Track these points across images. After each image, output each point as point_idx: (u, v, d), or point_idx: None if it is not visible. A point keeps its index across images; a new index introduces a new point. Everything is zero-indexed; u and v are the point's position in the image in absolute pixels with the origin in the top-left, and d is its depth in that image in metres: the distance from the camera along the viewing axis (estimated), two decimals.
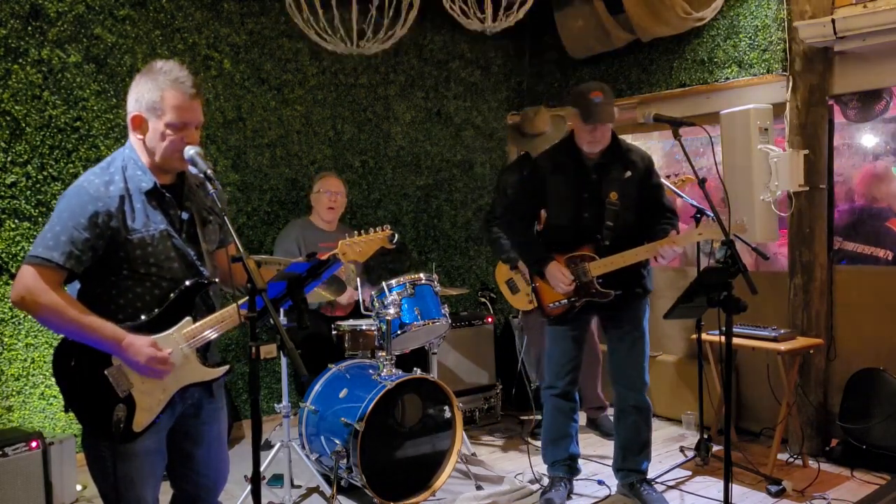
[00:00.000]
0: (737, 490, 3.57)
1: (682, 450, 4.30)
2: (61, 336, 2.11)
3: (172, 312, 2.14)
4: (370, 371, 3.70)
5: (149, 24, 4.39)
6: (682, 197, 4.01)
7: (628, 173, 3.41)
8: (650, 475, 3.68)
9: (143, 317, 2.11)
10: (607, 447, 4.13)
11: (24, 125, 3.98)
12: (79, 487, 3.74)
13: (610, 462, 3.75)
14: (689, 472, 3.98)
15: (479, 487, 3.76)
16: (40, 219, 4.00)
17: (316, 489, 3.76)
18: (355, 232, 2.50)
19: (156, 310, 2.12)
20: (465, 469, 3.89)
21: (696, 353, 4.26)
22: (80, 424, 2.14)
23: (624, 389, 3.55)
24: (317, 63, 5.07)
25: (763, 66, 4.38)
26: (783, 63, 4.26)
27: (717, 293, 2.78)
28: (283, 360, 3.89)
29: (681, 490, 3.77)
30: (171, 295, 2.13)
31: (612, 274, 3.37)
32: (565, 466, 3.64)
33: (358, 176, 5.30)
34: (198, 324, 2.16)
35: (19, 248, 3.97)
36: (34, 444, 3.39)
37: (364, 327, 3.94)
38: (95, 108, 4.20)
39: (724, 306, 2.77)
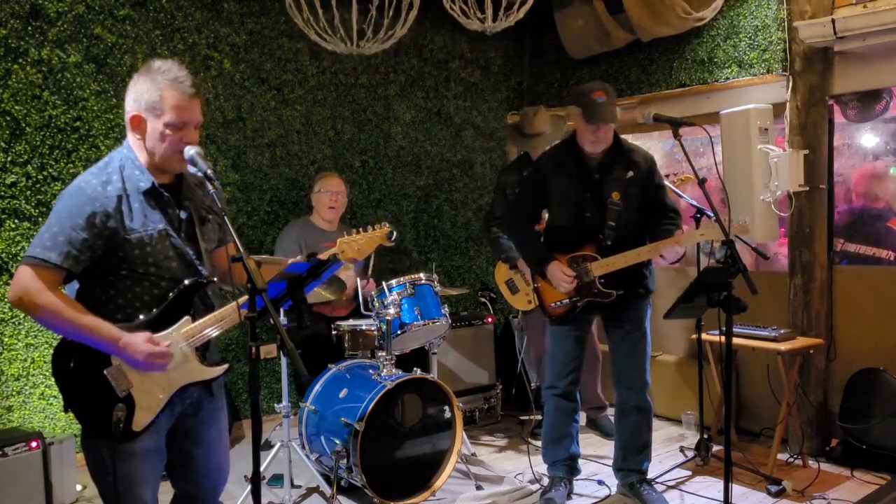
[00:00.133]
0: (737, 490, 3.57)
1: (682, 450, 4.30)
2: (61, 336, 2.10)
3: (171, 312, 2.13)
4: (370, 371, 3.70)
5: (149, 24, 4.39)
6: (682, 197, 4.01)
7: (630, 173, 3.40)
8: (650, 475, 3.68)
9: (141, 316, 2.11)
10: (607, 447, 4.13)
11: (24, 125, 3.98)
12: (79, 487, 3.74)
13: (610, 462, 3.74)
14: (689, 472, 3.98)
15: (479, 487, 3.76)
16: (40, 219, 4.00)
17: (316, 489, 3.76)
18: (353, 230, 2.50)
19: (154, 309, 2.12)
20: (465, 469, 3.89)
21: (696, 353, 4.26)
22: (79, 424, 2.14)
23: (625, 389, 3.55)
24: (317, 63, 5.07)
25: (763, 66, 4.38)
26: (783, 63, 4.26)
27: (717, 293, 2.78)
28: (283, 360, 3.89)
29: (681, 490, 3.77)
30: (170, 294, 2.13)
31: (614, 274, 3.37)
32: (565, 466, 3.64)
33: (358, 176, 5.30)
34: (197, 323, 2.15)
35: (19, 248, 3.97)
36: (34, 444, 3.39)
37: (364, 327, 3.94)
38: (95, 108, 4.20)
39: (724, 306, 2.77)
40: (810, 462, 4.05)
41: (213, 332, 2.17)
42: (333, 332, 4.02)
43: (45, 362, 4.02)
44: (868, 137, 4.16)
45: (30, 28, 3.97)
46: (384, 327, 3.69)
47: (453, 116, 5.77)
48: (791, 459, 4.10)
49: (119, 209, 2.07)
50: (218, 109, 4.68)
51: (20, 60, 3.95)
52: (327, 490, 3.59)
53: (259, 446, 2.02)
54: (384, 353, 3.68)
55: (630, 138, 3.64)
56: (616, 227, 3.37)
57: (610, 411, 4.53)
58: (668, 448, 4.38)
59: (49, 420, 4.07)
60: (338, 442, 3.44)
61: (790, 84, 4.19)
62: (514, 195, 4.23)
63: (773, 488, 3.64)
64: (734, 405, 4.52)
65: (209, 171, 2.07)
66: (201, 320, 2.16)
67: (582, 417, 4.52)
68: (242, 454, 4.08)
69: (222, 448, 2.38)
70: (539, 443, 3.89)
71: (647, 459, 3.60)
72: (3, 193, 3.94)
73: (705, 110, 4.65)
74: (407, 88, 5.51)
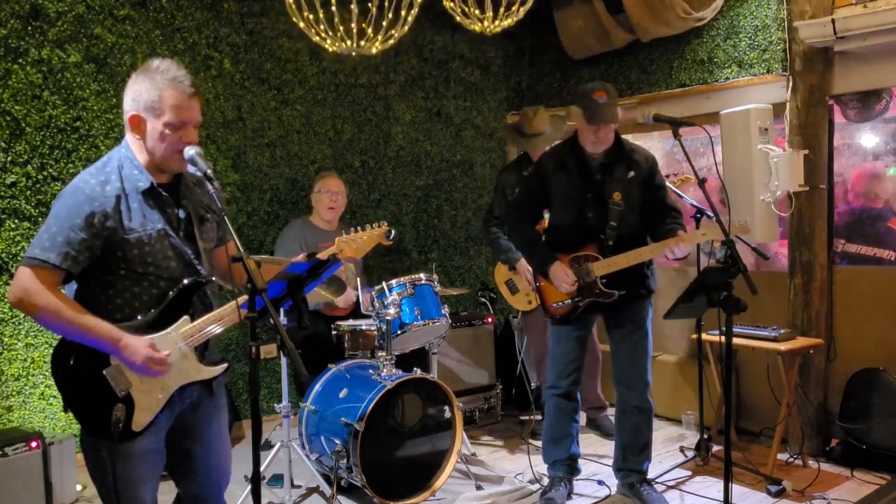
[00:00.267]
0: (737, 490, 3.56)
1: (682, 450, 4.30)
2: (60, 336, 2.10)
3: (170, 311, 2.13)
4: (370, 371, 3.70)
5: (149, 24, 4.39)
6: (682, 197, 4.01)
7: (632, 173, 3.40)
8: (650, 475, 3.68)
9: (140, 316, 2.11)
10: (607, 447, 4.13)
11: (24, 125, 3.98)
12: (79, 487, 3.74)
13: (610, 462, 3.74)
14: (689, 472, 3.98)
15: (479, 487, 3.76)
16: (40, 219, 4.00)
17: (316, 489, 3.76)
18: (352, 229, 2.50)
19: (153, 309, 2.12)
20: (465, 469, 3.89)
21: (696, 353, 4.26)
22: (79, 424, 2.14)
23: (626, 389, 3.55)
24: (317, 63, 5.07)
25: (763, 66, 4.38)
26: (783, 63, 4.26)
27: (717, 293, 2.78)
28: (283, 360, 3.89)
29: (681, 490, 3.77)
30: (169, 294, 2.13)
31: (615, 274, 3.37)
32: (566, 466, 3.64)
33: (358, 176, 5.30)
34: (196, 322, 2.15)
35: (19, 248, 3.96)
36: (34, 444, 3.39)
37: (364, 327, 3.94)
38: (95, 108, 4.20)
39: (724, 306, 2.77)
40: (810, 462, 4.05)
41: (214, 331, 2.17)
42: (333, 332, 4.02)
43: (45, 362, 4.02)
44: (868, 137, 4.16)
45: (30, 28, 3.97)
46: (384, 327, 3.69)
47: (453, 116, 5.77)
48: (791, 459, 4.10)
49: (118, 209, 2.07)
50: (218, 109, 4.68)
51: (20, 60, 3.95)
52: (327, 490, 3.59)
53: (259, 446, 2.02)
54: (384, 353, 3.68)
55: (630, 138, 3.64)
56: (617, 228, 3.37)
57: (610, 411, 4.53)
58: (668, 448, 4.38)
59: (49, 420, 4.07)
60: (338, 442, 3.44)
61: (790, 84, 4.19)
62: (516, 195, 4.23)
63: (773, 488, 3.64)
64: (734, 405, 4.52)
65: (209, 171, 2.07)
66: (200, 320, 2.16)
67: (582, 417, 4.52)
68: (242, 454, 4.07)
69: (223, 447, 2.38)
70: (539, 443, 3.89)
71: (647, 459, 3.60)
72: (3, 193, 3.94)
73: (705, 110, 4.65)
74: (407, 88, 5.51)
